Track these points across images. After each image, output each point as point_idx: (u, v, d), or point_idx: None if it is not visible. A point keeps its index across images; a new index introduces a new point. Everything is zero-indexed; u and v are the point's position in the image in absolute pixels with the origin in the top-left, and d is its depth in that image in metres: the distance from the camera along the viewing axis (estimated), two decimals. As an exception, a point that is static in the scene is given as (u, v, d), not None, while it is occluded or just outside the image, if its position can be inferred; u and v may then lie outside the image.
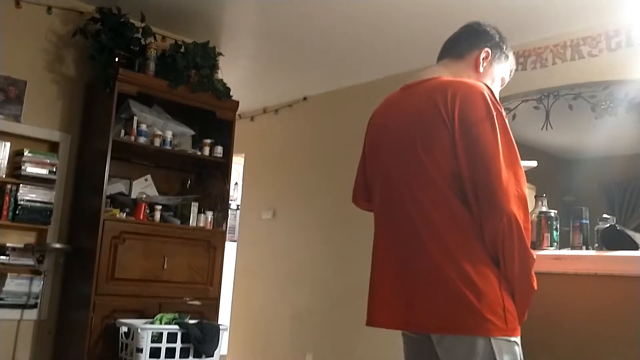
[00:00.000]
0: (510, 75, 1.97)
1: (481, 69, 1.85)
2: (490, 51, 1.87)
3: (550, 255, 2.30)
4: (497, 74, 1.90)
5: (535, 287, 1.62)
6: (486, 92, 1.65)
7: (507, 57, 1.92)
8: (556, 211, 2.40)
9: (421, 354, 1.75)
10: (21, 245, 3.68)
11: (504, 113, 1.65)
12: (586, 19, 3.83)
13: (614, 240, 2.19)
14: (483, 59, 1.85)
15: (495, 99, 1.66)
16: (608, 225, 2.27)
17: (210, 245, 4.05)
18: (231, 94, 4.33)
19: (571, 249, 2.40)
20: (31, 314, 3.71)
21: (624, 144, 6.01)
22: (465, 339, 1.56)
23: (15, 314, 3.64)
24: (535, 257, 1.62)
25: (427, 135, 1.67)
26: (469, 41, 1.89)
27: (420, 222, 1.65)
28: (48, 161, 3.77)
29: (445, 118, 1.63)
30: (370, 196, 1.93)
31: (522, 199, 1.59)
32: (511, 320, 1.58)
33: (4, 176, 3.64)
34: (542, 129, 4.66)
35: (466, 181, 1.61)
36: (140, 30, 4.04)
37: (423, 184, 1.66)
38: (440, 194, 1.64)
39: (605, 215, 2.36)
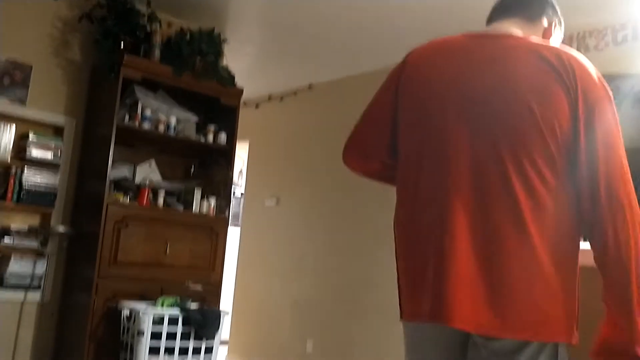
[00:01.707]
0: None
1: (550, 41, 1.61)
2: (555, 22, 1.67)
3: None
4: None
5: None
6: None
7: (562, 31, 1.71)
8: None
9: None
10: (25, 228, 3.73)
11: None
12: (592, 12, 3.81)
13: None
14: (553, 28, 1.66)
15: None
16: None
17: (213, 231, 4.08)
18: (236, 81, 4.35)
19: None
20: (34, 296, 3.76)
21: (629, 137, 5.99)
22: (545, 346, 1.38)
23: (18, 295, 3.68)
24: None
25: (547, 100, 1.39)
26: (539, 4, 1.65)
27: (527, 204, 1.37)
28: (53, 145, 3.81)
29: (567, 85, 1.38)
30: (394, 157, 1.63)
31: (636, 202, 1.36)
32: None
33: (9, 159, 3.68)
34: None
35: (581, 163, 1.38)
36: (146, 16, 4.06)
37: (536, 157, 1.38)
38: (554, 170, 1.39)
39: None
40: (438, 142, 1.50)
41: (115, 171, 3.90)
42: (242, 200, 6.64)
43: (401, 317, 1.57)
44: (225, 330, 4.59)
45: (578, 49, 3.98)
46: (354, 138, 1.73)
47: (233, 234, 5.48)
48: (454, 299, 1.38)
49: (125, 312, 3.51)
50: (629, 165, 1.41)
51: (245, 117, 4.66)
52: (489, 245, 1.39)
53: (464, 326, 1.38)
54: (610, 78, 4.36)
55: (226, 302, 5.14)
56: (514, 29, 1.57)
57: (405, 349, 1.62)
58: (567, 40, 4.03)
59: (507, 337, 1.38)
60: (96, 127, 3.95)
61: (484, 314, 1.37)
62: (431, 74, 1.56)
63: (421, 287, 1.45)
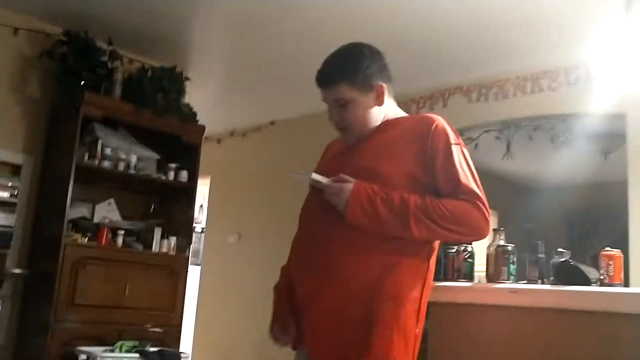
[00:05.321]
0: None
1: None
2: None
3: (507, 289, 2.35)
4: None
5: None
6: None
7: None
8: (514, 245, 2.45)
9: None
10: (-21, 270, 3.62)
11: None
12: (547, 53, 3.94)
13: (567, 274, 2.25)
14: None
15: None
16: (562, 259, 2.32)
17: (173, 271, 4.02)
18: (198, 117, 4.34)
19: (527, 282, 2.45)
20: (-13, 340, 3.63)
21: (583, 174, 6.14)
22: None
23: (-30, 340, 3.56)
24: None
25: None
26: None
27: None
28: (9, 184, 3.73)
29: None
30: None
31: None
32: None
33: (-37, 199, 3.59)
34: (502, 159, 4.75)
35: None
36: (107, 53, 4.03)
37: None
38: None
39: (560, 249, 2.41)
40: None
41: (74, 210, 3.83)
42: (202, 236, 6.56)
43: None
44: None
45: (532, 90, 4.10)
46: None
47: (193, 271, 5.40)
48: None
49: (82, 357, 3.42)
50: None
51: (206, 152, 4.64)
52: None
53: None
54: (563, 117, 4.48)
55: (186, 344, 5.03)
56: None
57: None
58: (522, 80, 4.15)
59: None
60: (55, 166, 3.88)
61: None
62: None
63: None
